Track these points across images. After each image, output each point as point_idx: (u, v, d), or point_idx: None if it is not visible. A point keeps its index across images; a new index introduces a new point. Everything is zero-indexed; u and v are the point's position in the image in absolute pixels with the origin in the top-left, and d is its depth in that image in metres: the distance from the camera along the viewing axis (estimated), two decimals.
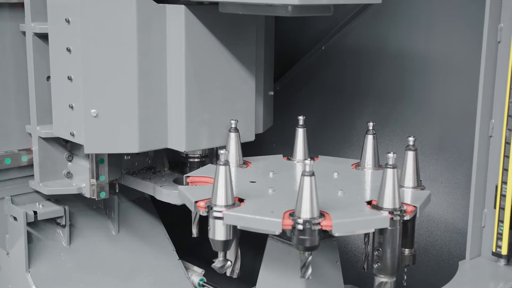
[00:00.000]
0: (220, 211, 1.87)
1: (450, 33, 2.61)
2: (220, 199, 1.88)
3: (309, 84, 3.15)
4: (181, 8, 2.25)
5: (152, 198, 3.07)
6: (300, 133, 2.41)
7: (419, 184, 2.13)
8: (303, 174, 1.77)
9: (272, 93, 2.76)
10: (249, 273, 2.46)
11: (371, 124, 2.29)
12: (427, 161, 2.70)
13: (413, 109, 2.75)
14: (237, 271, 2.23)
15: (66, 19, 2.29)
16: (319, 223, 1.78)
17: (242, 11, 2.13)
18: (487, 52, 2.09)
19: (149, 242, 2.97)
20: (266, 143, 3.19)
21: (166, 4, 2.29)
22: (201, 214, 1.95)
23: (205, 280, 2.94)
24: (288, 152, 2.45)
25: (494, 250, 2.16)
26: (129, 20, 2.23)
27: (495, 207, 2.16)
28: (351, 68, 2.98)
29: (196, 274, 2.96)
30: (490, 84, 2.14)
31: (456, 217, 2.67)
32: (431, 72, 2.67)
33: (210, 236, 1.93)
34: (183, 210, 2.86)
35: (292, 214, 1.81)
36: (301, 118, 2.39)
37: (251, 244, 2.48)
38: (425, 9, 2.66)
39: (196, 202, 1.95)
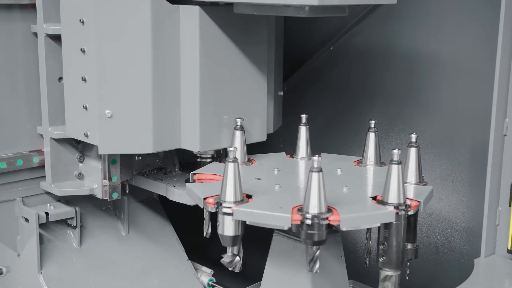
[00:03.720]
0: (230, 207, 1.91)
1: (459, 33, 2.63)
2: (229, 196, 1.93)
3: (317, 85, 3.16)
4: (196, 8, 2.25)
5: (160, 198, 3.09)
6: (303, 131, 2.46)
7: (421, 180, 2.17)
8: (311, 170, 1.82)
9: (281, 93, 2.77)
10: (257, 270, 2.48)
11: (373, 122, 2.33)
12: (437, 160, 2.72)
13: (422, 109, 2.77)
14: (239, 265, 2.25)
15: (80, 20, 2.29)
16: (327, 218, 1.83)
17: (258, 12, 2.14)
18: (502, 52, 2.11)
19: (159, 242, 2.98)
20: (273, 143, 3.20)
21: (180, 5, 2.29)
22: (209, 210, 1.99)
23: (214, 281, 2.95)
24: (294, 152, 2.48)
25: (509, 248, 2.18)
26: (143, 21, 2.24)
27: (510, 205, 2.18)
28: (359, 69, 2.99)
29: (205, 274, 2.97)
30: (505, 83, 2.16)
31: (467, 216, 2.69)
32: (440, 72, 2.70)
33: (219, 231, 1.97)
34: (190, 211, 2.88)
35: (300, 210, 1.86)
36: (303, 116, 2.43)
37: (255, 242, 2.49)
38: (434, 9, 2.68)
39: (205, 198, 1.99)
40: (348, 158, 2.45)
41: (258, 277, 2.65)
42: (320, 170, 1.81)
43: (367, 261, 2.27)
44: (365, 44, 2.93)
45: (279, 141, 3.22)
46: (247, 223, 1.91)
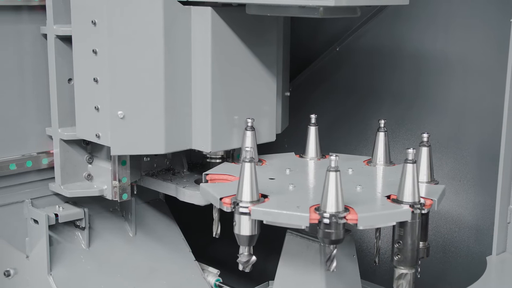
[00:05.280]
0: (247, 207, 1.92)
1: (468, 33, 2.65)
2: (246, 195, 1.94)
3: (323, 85, 3.18)
4: (208, 9, 2.26)
5: (166, 199, 3.09)
6: (312, 131, 2.48)
7: (432, 179, 2.20)
8: (328, 170, 1.84)
9: (288, 93, 2.79)
10: (262, 270, 2.49)
11: (382, 121, 2.36)
12: (445, 159, 2.74)
13: (430, 109, 2.80)
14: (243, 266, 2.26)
15: (92, 21, 2.30)
16: (344, 217, 1.85)
17: (271, 13, 2.15)
18: None
19: (166, 243, 2.98)
20: (278, 143, 3.21)
21: (191, 6, 2.30)
22: (225, 210, 2.00)
23: (221, 281, 2.95)
24: (300, 152, 2.50)
25: None
26: (156, 22, 2.24)
27: None
28: (366, 69, 3.01)
29: (212, 274, 2.98)
30: None
31: (474, 214, 2.72)
32: (448, 72, 2.72)
33: (236, 231, 1.99)
34: (192, 212, 2.89)
35: (317, 209, 1.88)
36: (313, 116, 2.45)
37: (259, 242, 2.50)
38: (442, 9, 2.70)
39: (221, 199, 2.00)
40: (358, 158, 2.47)
41: (264, 277, 2.67)
42: (337, 170, 1.83)
43: (377, 260, 2.30)
44: (371, 44, 2.95)
45: (283, 142, 3.23)
46: (264, 222, 1.92)
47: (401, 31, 2.85)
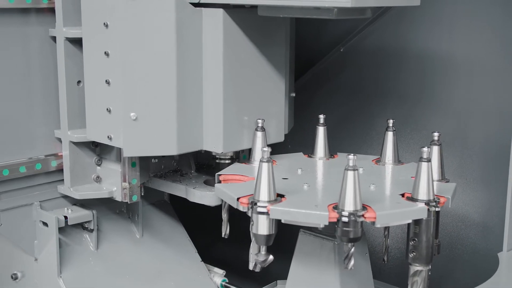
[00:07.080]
0: (265, 207, 1.94)
1: (473, 33, 2.68)
2: (263, 195, 1.96)
3: (327, 86, 3.20)
4: (219, 11, 2.27)
5: (170, 200, 3.10)
6: (321, 131, 2.50)
7: (443, 177, 2.23)
8: (346, 169, 1.87)
9: (293, 94, 2.81)
10: (265, 270, 2.50)
11: (391, 121, 2.38)
12: (451, 158, 2.77)
13: (434, 108, 2.82)
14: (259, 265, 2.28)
15: (104, 23, 2.30)
16: (362, 215, 1.87)
17: (284, 14, 2.17)
18: None
19: (172, 244, 2.99)
20: (280, 144, 3.23)
21: (202, 8, 2.31)
22: (241, 210, 2.01)
23: (227, 281, 2.97)
24: (304, 152, 2.53)
25: None
26: (168, 24, 2.25)
27: None
28: (370, 70, 3.03)
29: (218, 275, 2.99)
30: None
31: (480, 212, 2.75)
32: (453, 72, 2.75)
33: (253, 231, 2.01)
34: (193, 213, 2.90)
35: (335, 207, 1.90)
36: (321, 116, 2.47)
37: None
38: (447, 10, 2.73)
39: (238, 199, 2.02)
40: (366, 157, 2.49)
41: (269, 277, 2.68)
42: (355, 169, 1.86)
43: (385, 258, 2.32)
44: (376, 45, 2.97)
45: (287, 142, 3.25)
46: (283, 221, 1.95)
47: (406, 32, 2.87)
